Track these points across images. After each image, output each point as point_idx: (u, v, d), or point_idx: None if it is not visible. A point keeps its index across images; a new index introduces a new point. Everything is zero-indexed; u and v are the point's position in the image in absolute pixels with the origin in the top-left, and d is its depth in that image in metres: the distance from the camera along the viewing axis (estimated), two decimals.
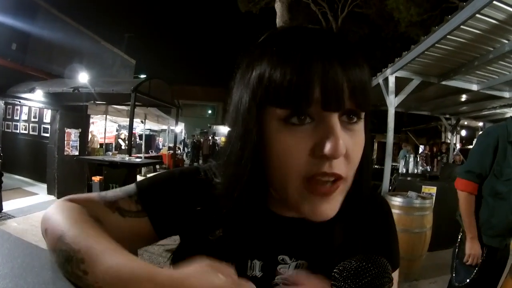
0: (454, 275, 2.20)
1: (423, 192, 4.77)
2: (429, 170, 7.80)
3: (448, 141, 10.96)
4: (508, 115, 2.45)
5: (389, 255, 0.58)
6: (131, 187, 0.66)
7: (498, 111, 7.38)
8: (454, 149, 10.72)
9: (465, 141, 15.06)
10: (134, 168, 4.91)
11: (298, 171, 0.49)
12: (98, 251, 0.48)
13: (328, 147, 0.46)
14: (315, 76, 0.45)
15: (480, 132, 5.53)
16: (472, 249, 2.07)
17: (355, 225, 0.61)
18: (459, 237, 2.22)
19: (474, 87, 5.39)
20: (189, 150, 19.79)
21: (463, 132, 14.76)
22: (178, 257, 0.68)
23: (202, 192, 0.63)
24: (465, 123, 11.85)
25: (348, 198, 0.55)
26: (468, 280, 2.10)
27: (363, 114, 0.51)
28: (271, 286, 0.62)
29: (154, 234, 0.65)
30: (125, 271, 0.44)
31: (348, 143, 0.48)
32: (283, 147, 0.49)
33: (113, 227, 0.60)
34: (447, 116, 9.62)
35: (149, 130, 15.95)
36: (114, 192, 0.66)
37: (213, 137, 19.38)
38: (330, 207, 0.51)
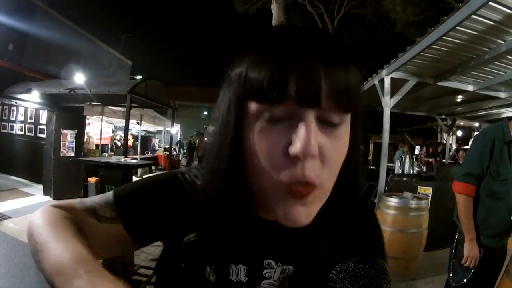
0: (451, 275, 2.20)
1: (419, 193, 4.77)
2: (424, 170, 7.83)
3: (444, 142, 10.99)
4: (504, 115, 2.46)
5: None
6: (109, 194, 0.66)
7: (494, 111, 7.40)
8: (450, 149, 10.75)
9: (461, 141, 15.12)
10: (130, 169, 4.88)
11: (272, 171, 0.46)
12: (52, 242, 0.49)
13: (297, 145, 0.43)
14: (292, 69, 0.44)
15: (476, 133, 5.54)
16: (471, 251, 2.07)
17: (342, 232, 0.60)
18: (456, 238, 2.22)
19: (470, 88, 5.41)
20: (185, 151, 19.75)
21: (459, 133, 14.84)
22: (161, 265, 0.67)
23: (180, 197, 0.62)
24: (461, 123, 11.91)
25: (335, 204, 0.54)
26: (465, 280, 2.10)
27: (345, 117, 0.48)
28: None
29: (133, 241, 0.64)
30: (67, 258, 0.45)
31: (325, 145, 0.46)
32: (258, 144, 0.47)
33: (92, 232, 0.60)
34: (443, 116, 9.62)
35: (145, 131, 15.93)
36: (94, 199, 0.66)
37: None
38: (306, 212, 0.48)
